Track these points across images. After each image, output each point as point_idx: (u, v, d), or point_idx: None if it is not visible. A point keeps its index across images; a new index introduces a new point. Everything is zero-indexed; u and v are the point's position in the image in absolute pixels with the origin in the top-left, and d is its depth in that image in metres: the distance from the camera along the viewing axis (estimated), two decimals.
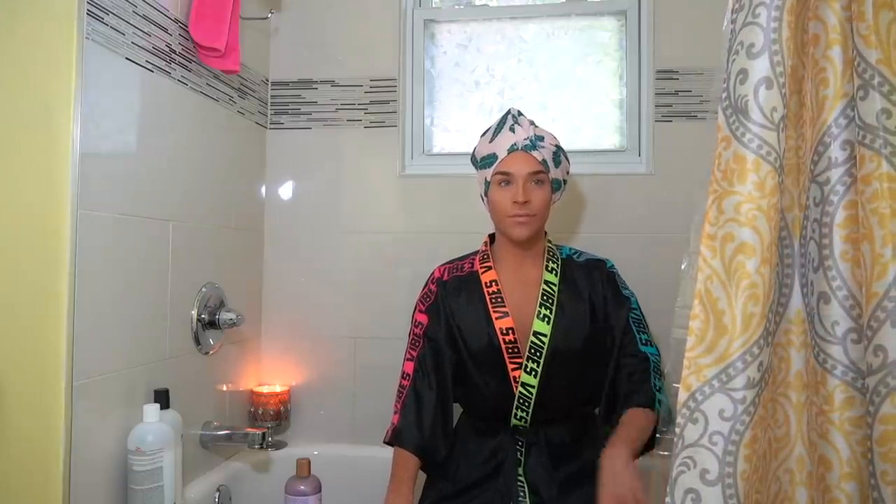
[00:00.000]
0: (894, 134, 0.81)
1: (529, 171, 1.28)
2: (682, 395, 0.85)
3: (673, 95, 1.77)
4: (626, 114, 1.85)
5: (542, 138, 1.31)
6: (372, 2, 1.90)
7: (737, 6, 0.89)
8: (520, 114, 1.35)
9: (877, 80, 0.80)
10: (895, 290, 0.78)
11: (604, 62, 1.89)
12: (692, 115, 1.76)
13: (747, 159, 0.84)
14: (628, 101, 1.84)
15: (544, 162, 1.29)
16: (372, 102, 1.89)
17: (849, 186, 0.86)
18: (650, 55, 1.79)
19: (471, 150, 1.42)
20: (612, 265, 1.41)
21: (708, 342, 0.84)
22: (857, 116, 0.84)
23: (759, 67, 0.85)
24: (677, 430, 0.86)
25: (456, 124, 1.95)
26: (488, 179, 1.33)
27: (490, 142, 1.34)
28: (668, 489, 0.85)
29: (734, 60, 0.87)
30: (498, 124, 1.35)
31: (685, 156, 1.76)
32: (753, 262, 0.83)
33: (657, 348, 1.34)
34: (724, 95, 0.88)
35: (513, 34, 1.92)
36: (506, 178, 1.30)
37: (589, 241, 1.76)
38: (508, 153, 1.29)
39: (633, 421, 1.25)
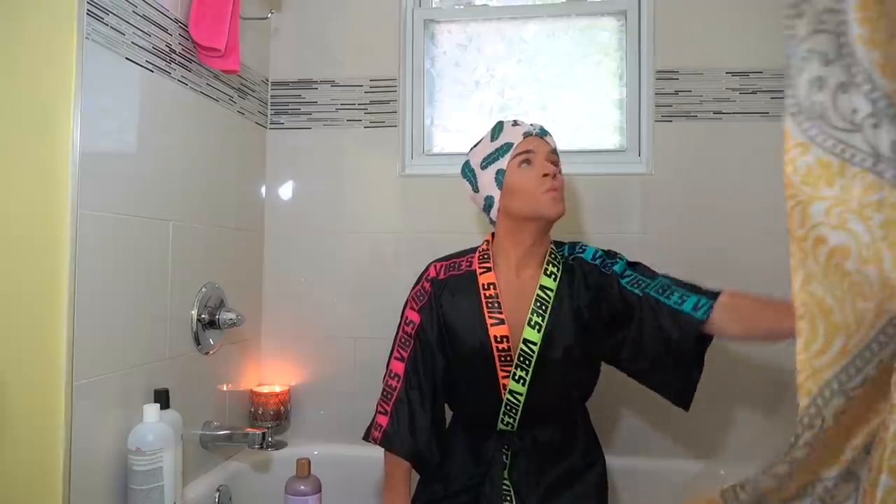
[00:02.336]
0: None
1: (549, 150, 1.29)
2: (804, 401, 0.83)
3: (673, 95, 1.77)
4: (626, 114, 1.85)
5: (547, 132, 1.33)
6: (372, 2, 1.90)
7: (793, 13, 0.88)
8: (515, 120, 1.35)
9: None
10: None
11: (604, 62, 1.89)
12: (692, 115, 1.76)
13: (833, 164, 0.84)
14: (628, 101, 1.84)
15: (555, 151, 1.30)
16: (372, 102, 1.89)
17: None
18: (650, 55, 1.79)
19: None
20: (595, 252, 1.36)
21: (819, 344, 0.82)
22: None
23: (835, 73, 0.84)
24: (798, 439, 0.83)
25: (456, 124, 1.95)
26: (504, 168, 1.28)
27: (492, 140, 1.32)
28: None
29: (803, 68, 0.86)
30: (496, 127, 1.34)
31: (685, 156, 1.77)
32: (852, 262, 0.81)
33: (659, 276, 1.29)
34: (790, 102, 0.87)
35: (513, 34, 1.92)
36: (527, 158, 1.27)
37: (589, 241, 1.76)
38: (524, 137, 1.28)
39: (741, 308, 1.18)
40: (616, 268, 1.31)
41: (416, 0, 1.93)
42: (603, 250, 1.36)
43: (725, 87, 1.75)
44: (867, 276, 0.82)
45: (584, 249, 1.37)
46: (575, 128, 1.89)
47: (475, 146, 1.36)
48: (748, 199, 1.73)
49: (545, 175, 1.25)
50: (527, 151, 1.27)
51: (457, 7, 1.96)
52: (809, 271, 0.84)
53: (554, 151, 1.30)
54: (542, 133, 1.31)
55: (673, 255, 1.75)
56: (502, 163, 1.29)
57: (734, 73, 1.75)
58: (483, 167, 1.32)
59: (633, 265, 1.33)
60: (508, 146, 1.29)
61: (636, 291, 1.26)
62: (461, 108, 1.94)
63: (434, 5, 1.96)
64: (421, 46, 1.92)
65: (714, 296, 1.21)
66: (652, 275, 1.30)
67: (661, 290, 1.24)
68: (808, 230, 0.84)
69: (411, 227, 1.86)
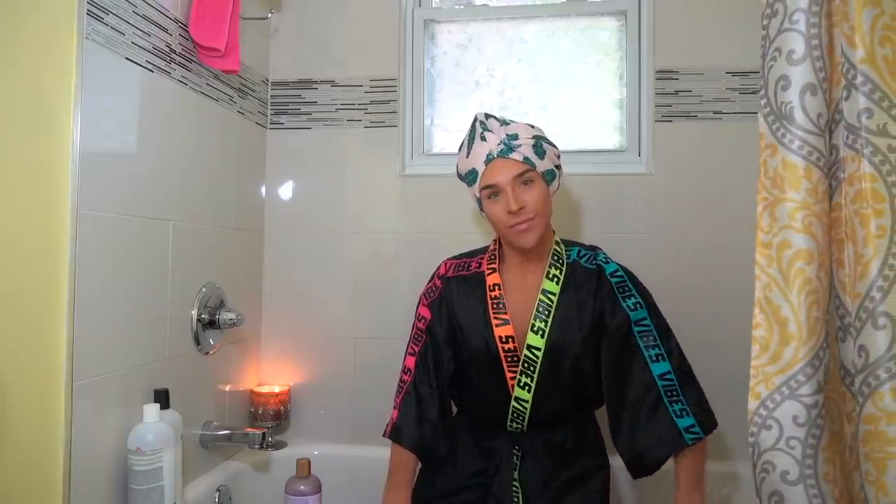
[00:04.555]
0: (875, 134, 0.81)
1: (514, 176, 1.22)
2: (752, 404, 0.85)
3: (673, 95, 1.77)
4: (626, 114, 1.85)
5: (515, 136, 1.25)
6: (372, 2, 1.90)
7: (768, 12, 0.88)
8: (487, 117, 1.29)
9: (859, 79, 0.81)
10: (875, 291, 0.79)
11: (604, 62, 1.89)
12: (692, 115, 1.76)
13: (798, 166, 0.84)
14: (628, 101, 1.84)
15: (526, 160, 1.23)
16: (372, 102, 1.89)
17: (835, 189, 0.86)
18: (650, 55, 1.79)
19: None
20: (616, 269, 1.32)
21: (773, 351, 0.84)
22: (843, 118, 0.84)
23: (802, 74, 0.84)
24: (751, 438, 0.86)
25: (456, 124, 1.95)
26: (477, 195, 1.30)
27: (467, 156, 1.29)
28: (756, 494, 0.86)
29: (771, 67, 0.86)
30: (469, 135, 1.30)
31: (685, 156, 1.77)
32: (812, 267, 0.83)
33: (673, 360, 1.25)
34: (763, 102, 0.87)
35: (513, 34, 1.92)
36: (493, 191, 1.25)
37: (588, 241, 1.75)
38: (486, 165, 1.25)
39: (690, 467, 1.22)
40: (636, 310, 1.28)
41: (416, 0, 1.93)
42: (623, 272, 1.32)
43: (725, 87, 1.75)
44: (822, 282, 0.83)
45: (608, 262, 1.33)
46: (575, 128, 1.89)
47: (460, 148, 1.34)
48: (748, 199, 1.72)
49: (510, 212, 1.22)
50: (490, 186, 1.25)
51: (457, 7, 1.96)
52: (771, 278, 0.85)
53: (524, 167, 1.23)
54: (506, 151, 1.23)
55: (673, 255, 1.76)
56: (475, 190, 1.29)
57: (734, 73, 1.75)
58: (466, 183, 1.33)
59: (651, 309, 1.29)
60: (475, 175, 1.27)
61: (643, 355, 1.24)
62: (461, 108, 1.94)
63: (434, 5, 1.96)
64: (421, 46, 1.91)
65: (706, 428, 1.21)
66: (664, 336, 1.27)
67: (669, 392, 1.23)
68: (775, 234, 0.85)
69: (411, 227, 1.86)
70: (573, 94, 1.89)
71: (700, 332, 1.71)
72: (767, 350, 0.85)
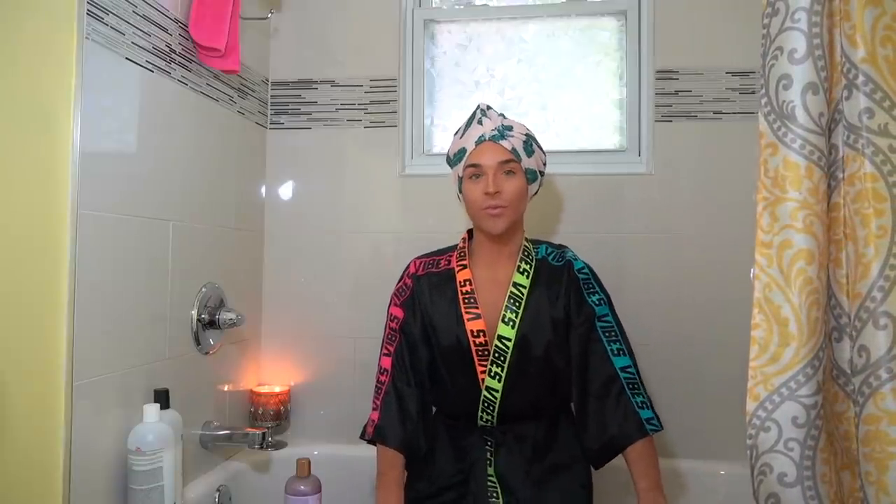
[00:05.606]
0: (876, 134, 0.80)
1: (499, 161, 1.27)
2: (751, 406, 0.85)
3: (673, 95, 1.77)
4: (626, 114, 1.85)
5: (510, 128, 1.30)
6: (372, 2, 1.90)
7: (769, 10, 0.87)
8: (489, 107, 1.34)
9: (861, 78, 0.81)
10: (876, 291, 0.79)
11: (604, 62, 1.89)
12: (692, 115, 1.76)
13: (800, 165, 0.83)
14: (628, 101, 1.84)
15: (514, 151, 1.27)
16: (372, 102, 1.89)
17: (833, 189, 0.86)
18: (650, 55, 1.79)
19: None
20: (583, 267, 1.36)
21: (772, 351, 0.84)
22: (843, 118, 0.84)
23: (804, 73, 0.83)
24: (749, 440, 0.85)
25: (456, 124, 1.93)
26: (460, 175, 1.33)
27: (460, 138, 1.34)
28: (753, 497, 0.86)
29: (773, 66, 0.86)
30: (467, 121, 1.35)
31: (685, 156, 1.77)
32: (813, 267, 0.82)
33: (631, 357, 1.30)
34: (763, 101, 0.87)
35: (513, 34, 1.92)
36: (476, 171, 1.29)
37: (588, 241, 1.76)
38: (476, 145, 1.29)
39: (646, 460, 1.23)
40: (601, 305, 1.31)
41: (416, 0, 1.93)
42: (589, 269, 1.36)
43: (725, 87, 1.75)
44: (821, 282, 0.83)
45: (576, 259, 1.37)
46: (575, 128, 1.89)
47: (456, 132, 1.38)
48: (748, 199, 1.72)
49: (487, 193, 1.25)
50: (475, 165, 1.28)
51: (457, 7, 1.96)
52: (772, 278, 0.84)
53: (510, 156, 1.27)
54: (498, 137, 1.28)
55: (672, 255, 1.75)
56: (459, 169, 1.33)
57: (734, 73, 1.75)
58: (452, 164, 1.36)
59: (611, 307, 1.33)
60: (463, 153, 1.31)
61: (605, 348, 1.28)
62: (461, 108, 1.94)
63: (434, 5, 1.96)
64: (421, 46, 1.91)
65: (661, 422, 1.26)
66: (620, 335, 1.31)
67: (631, 385, 1.27)
68: (775, 233, 0.84)
69: (411, 227, 1.86)
70: (573, 94, 1.89)
71: (698, 333, 1.71)
72: (767, 351, 0.84)
